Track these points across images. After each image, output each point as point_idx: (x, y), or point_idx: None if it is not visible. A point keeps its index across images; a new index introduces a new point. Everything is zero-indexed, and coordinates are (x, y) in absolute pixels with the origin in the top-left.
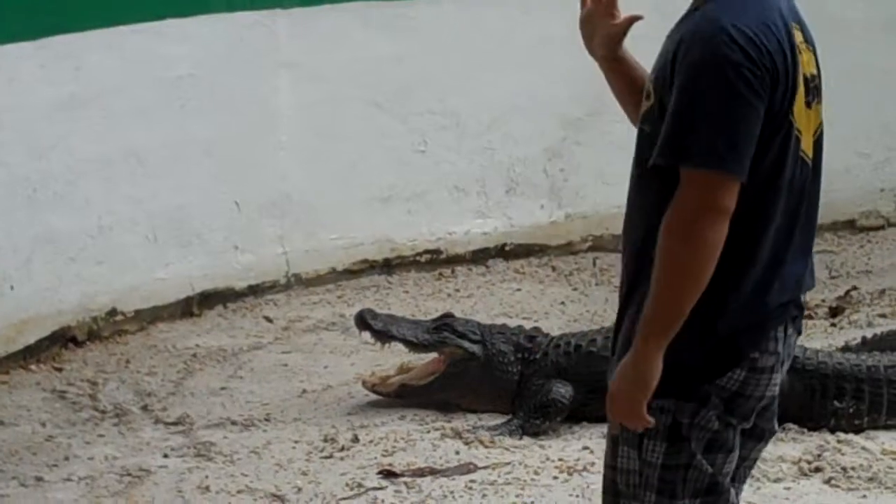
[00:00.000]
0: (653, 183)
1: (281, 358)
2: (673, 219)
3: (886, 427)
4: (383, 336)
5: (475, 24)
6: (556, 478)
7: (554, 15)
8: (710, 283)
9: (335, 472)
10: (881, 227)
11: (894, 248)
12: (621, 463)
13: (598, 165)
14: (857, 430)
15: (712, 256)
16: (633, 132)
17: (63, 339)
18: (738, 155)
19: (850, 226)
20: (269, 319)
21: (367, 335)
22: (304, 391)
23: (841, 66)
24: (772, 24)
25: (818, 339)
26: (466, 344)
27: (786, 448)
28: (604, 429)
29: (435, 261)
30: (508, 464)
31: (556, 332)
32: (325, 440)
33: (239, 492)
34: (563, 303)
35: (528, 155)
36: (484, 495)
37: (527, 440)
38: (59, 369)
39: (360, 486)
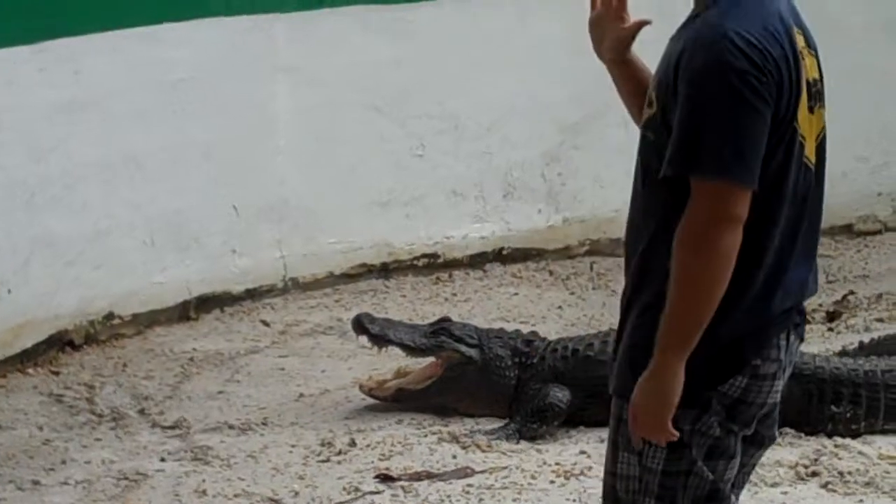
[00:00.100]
0: (660, 191)
1: (278, 362)
2: (686, 230)
3: (883, 432)
4: (380, 340)
5: (473, 29)
6: (552, 482)
7: (552, 19)
8: None
9: (332, 477)
10: (878, 232)
11: (891, 253)
12: (621, 469)
13: (596, 170)
14: (854, 435)
15: (727, 266)
16: (631, 136)
17: (60, 343)
18: (748, 163)
19: (848, 230)
20: (266, 323)
21: (364, 339)
22: (302, 395)
23: (839, 69)
24: (774, 29)
25: (815, 343)
26: (464, 348)
27: (783, 452)
28: (601, 433)
29: (432, 265)
30: (505, 468)
31: (553, 337)
32: (323, 444)
33: (236, 496)
34: (560, 307)
35: (525, 159)
36: (481, 499)
37: (524, 444)
38: (57, 373)
39: (357, 490)
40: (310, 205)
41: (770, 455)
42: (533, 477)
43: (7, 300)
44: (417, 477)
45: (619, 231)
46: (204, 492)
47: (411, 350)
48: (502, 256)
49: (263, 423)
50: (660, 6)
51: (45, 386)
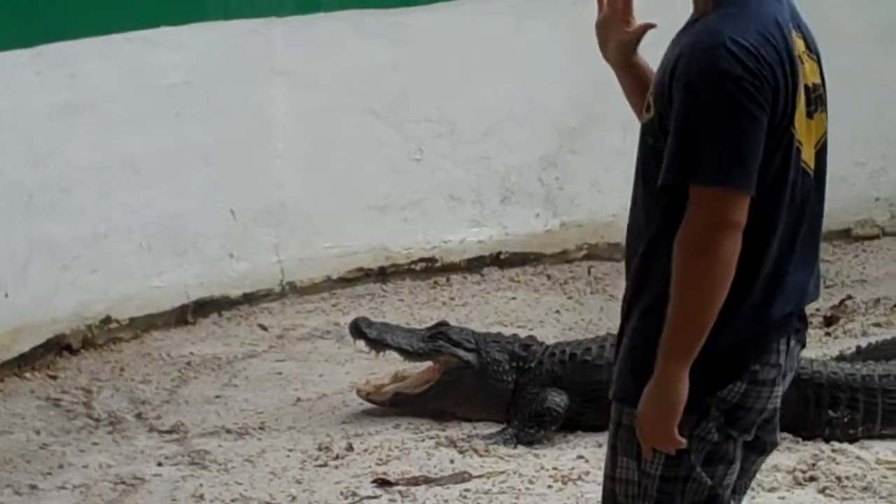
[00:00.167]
0: (660, 195)
1: (275, 366)
2: (686, 237)
3: (881, 436)
4: (378, 344)
5: (470, 33)
6: (550, 487)
7: (549, 24)
8: None
9: (329, 481)
10: (876, 237)
11: (889, 258)
12: (620, 473)
13: (593, 174)
14: (852, 440)
15: (728, 272)
16: (629, 141)
17: (58, 347)
18: (746, 169)
19: (846, 235)
20: (263, 328)
21: (361, 343)
22: (299, 399)
23: (838, 74)
24: (770, 35)
25: (813, 348)
26: (461, 352)
27: (780, 457)
28: (599, 438)
29: (430, 269)
30: (503, 473)
31: (550, 341)
32: (320, 449)
33: (233, 500)
34: (557, 311)
35: (523, 163)
36: None
37: (521, 449)
38: (54, 377)
39: (354, 494)
40: (307, 209)
41: (767, 460)
42: (531, 482)
43: (4, 304)
44: (415, 482)
45: (617, 235)
46: (201, 496)
47: (409, 354)
48: (500, 261)
49: (261, 428)
50: (658, 9)
51: (43, 390)
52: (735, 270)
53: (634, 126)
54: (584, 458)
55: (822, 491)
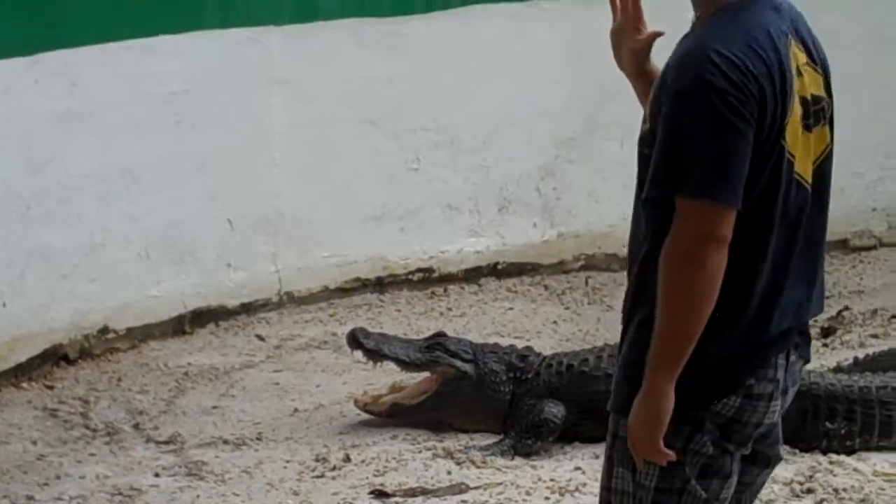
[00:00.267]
0: (653, 208)
1: (273, 377)
2: (671, 250)
3: (878, 448)
4: (375, 355)
5: (468, 42)
6: (547, 498)
7: (546, 33)
8: None
9: (326, 492)
10: (873, 247)
11: (886, 268)
12: (616, 484)
13: (591, 184)
14: (849, 452)
15: (713, 286)
16: (626, 151)
17: (55, 357)
18: (731, 183)
19: (843, 245)
20: (261, 338)
21: (359, 354)
22: (296, 410)
23: (835, 84)
24: (759, 47)
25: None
26: (458, 363)
27: (778, 469)
28: (596, 449)
29: (427, 279)
30: (500, 484)
31: (548, 352)
32: (317, 459)
33: None
34: (555, 322)
35: (520, 173)
36: None
37: (519, 460)
38: (51, 387)
39: None
40: (305, 218)
41: None
42: (528, 493)
43: (2, 313)
44: (412, 493)
45: (615, 246)
46: None
47: (406, 365)
48: (497, 271)
49: (258, 438)
50: (669, 15)
51: (40, 400)
52: (729, 283)
53: (632, 135)
54: (581, 470)
55: (819, 503)
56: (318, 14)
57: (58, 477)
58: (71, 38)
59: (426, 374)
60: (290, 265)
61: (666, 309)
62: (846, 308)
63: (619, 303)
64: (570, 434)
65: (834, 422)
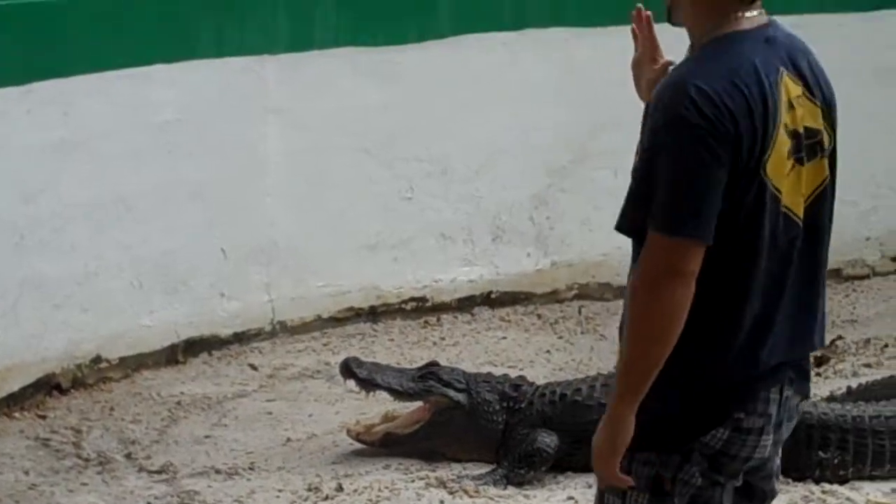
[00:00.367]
0: (635, 237)
1: (265, 406)
2: (637, 280)
3: (871, 478)
4: (368, 384)
5: (461, 71)
6: None
7: (540, 62)
8: (694, 341)
9: None
10: (867, 276)
11: (879, 298)
12: None
13: (584, 213)
14: (842, 481)
15: (677, 318)
16: (619, 180)
17: (47, 387)
18: (700, 219)
19: (836, 275)
20: (254, 367)
21: (351, 383)
22: (289, 440)
23: None
24: (742, 82)
25: None
26: (451, 392)
27: None
28: (588, 479)
29: (420, 309)
30: None
31: (541, 381)
32: (310, 489)
33: None
34: (548, 351)
35: (514, 202)
36: None
37: (511, 490)
38: (43, 417)
39: None
40: (299, 247)
41: None
42: None
43: None
44: None
45: (608, 275)
46: None
47: (399, 394)
48: (490, 300)
49: (250, 468)
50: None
51: (32, 430)
52: (714, 317)
53: (625, 165)
54: (573, 500)
55: None
56: (313, 43)
57: None
58: (64, 67)
59: (419, 403)
60: (283, 294)
61: (629, 338)
62: (839, 337)
63: (612, 332)
64: (563, 463)
65: (827, 451)
